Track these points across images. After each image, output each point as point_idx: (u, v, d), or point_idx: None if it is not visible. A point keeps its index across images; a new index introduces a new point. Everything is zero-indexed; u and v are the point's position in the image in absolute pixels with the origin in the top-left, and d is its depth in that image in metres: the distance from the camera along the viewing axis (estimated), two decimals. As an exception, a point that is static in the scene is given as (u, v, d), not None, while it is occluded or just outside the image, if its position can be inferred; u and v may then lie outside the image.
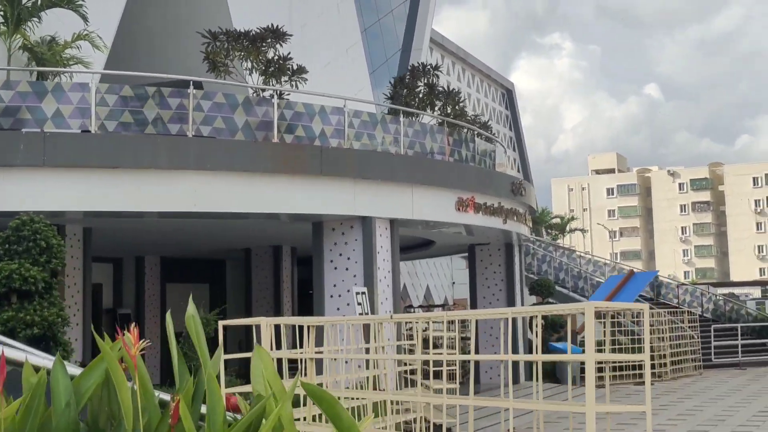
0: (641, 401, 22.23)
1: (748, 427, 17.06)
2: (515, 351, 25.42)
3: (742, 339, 32.46)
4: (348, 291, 17.82)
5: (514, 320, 25.51)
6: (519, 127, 69.41)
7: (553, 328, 30.22)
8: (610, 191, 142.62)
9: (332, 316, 17.88)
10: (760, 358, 32.44)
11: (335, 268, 17.98)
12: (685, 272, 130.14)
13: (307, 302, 22.50)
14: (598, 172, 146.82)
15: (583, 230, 63.01)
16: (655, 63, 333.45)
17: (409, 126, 19.82)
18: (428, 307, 29.27)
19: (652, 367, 27.80)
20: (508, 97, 67.98)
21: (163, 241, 23.15)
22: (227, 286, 29.13)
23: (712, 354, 31.61)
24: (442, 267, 36.98)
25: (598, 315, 31.08)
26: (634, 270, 31.98)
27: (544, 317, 31.13)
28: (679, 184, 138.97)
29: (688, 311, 32.58)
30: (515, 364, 25.50)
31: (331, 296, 17.98)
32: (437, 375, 15.30)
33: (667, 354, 28.09)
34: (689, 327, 30.93)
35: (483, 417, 18.42)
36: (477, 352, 25.94)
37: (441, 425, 15.35)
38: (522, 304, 26.36)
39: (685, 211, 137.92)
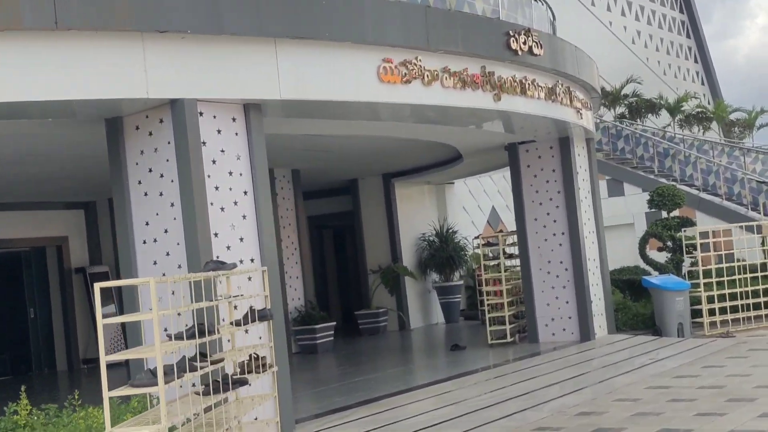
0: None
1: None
2: (582, 285, 17.22)
3: None
4: (166, 232, 10.48)
5: (578, 243, 17.24)
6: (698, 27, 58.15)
7: (683, 248, 21.35)
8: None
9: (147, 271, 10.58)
10: None
11: (145, 194, 10.59)
12: None
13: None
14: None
15: (775, 125, 51.57)
16: None
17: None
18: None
19: (710, 312, 18.47)
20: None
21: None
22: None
23: None
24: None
25: (759, 229, 21.75)
26: None
27: (672, 235, 22.06)
28: None
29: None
30: (584, 313, 17.33)
31: (144, 242, 10.64)
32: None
33: (738, 293, 18.60)
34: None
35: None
36: (530, 280, 17.97)
37: None
38: (597, 224, 18.05)
39: None
